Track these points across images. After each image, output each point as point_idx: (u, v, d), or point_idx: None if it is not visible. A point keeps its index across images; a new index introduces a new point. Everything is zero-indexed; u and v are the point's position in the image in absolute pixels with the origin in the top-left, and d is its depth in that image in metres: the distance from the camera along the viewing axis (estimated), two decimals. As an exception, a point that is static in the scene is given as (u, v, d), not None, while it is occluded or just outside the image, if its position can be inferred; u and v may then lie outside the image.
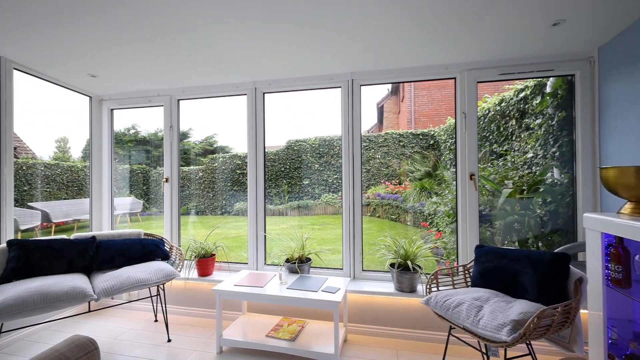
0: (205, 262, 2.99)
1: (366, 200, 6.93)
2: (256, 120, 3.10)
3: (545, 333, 1.57)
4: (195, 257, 3.01)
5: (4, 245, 2.24)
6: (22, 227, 5.44)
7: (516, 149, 3.56)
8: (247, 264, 3.13)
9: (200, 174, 8.10)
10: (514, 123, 3.60)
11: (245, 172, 7.58)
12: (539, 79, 3.08)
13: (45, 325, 2.78)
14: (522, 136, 3.46)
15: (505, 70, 2.56)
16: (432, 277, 2.16)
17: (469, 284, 2.21)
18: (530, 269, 1.85)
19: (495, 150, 3.93)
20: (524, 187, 3.02)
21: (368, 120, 11.04)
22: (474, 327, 1.65)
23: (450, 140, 5.24)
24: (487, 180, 3.19)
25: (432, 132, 6.97)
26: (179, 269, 2.78)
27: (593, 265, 1.62)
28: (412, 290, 2.53)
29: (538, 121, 3.12)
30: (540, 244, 2.84)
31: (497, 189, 3.07)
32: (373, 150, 7.22)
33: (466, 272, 2.25)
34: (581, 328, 1.68)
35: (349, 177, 2.87)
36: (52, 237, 2.46)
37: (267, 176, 3.13)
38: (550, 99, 2.93)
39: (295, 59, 2.54)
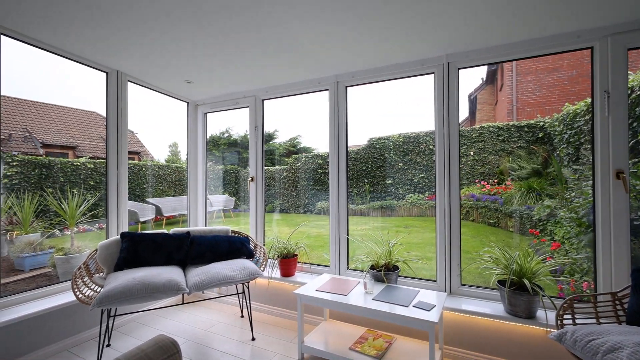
0: (287, 262, 2.95)
1: (458, 202, 6.19)
2: (338, 116, 2.93)
3: None
4: (278, 256, 3.00)
5: (118, 237, 2.53)
6: (141, 220, 6.36)
7: (682, 137, 2.63)
8: (328, 266, 2.99)
9: (285, 174, 8.40)
10: (679, 103, 2.68)
11: (326, 171, 7.56)
12: None
13: (150, 310, 3.09)
14: (694, 119, 2.54)
15: (677, 27, 1.86)
16: (567, 305, 1.66)
17: (622, 319, 1.64)
18: None
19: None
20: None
21: (458, 113, 10.01)
22: (644, 388, 1.16)
23: (569, 132, 4.27)
24: (640, 179, 2.40)
25: (542, 123, 5.86)
26: (262, 268, 2.78)
27: None
28: (529, 316, 2.02)
29: None
30: None
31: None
32: (466, 146, 6.42)
33: (617, 302, 1.67)
34: None
35: (444, 175, 2.48)
36: (155, 231, 2.69)
37: (348, 175, 2.94)
38: None
39: (381, 43, 2.28)
